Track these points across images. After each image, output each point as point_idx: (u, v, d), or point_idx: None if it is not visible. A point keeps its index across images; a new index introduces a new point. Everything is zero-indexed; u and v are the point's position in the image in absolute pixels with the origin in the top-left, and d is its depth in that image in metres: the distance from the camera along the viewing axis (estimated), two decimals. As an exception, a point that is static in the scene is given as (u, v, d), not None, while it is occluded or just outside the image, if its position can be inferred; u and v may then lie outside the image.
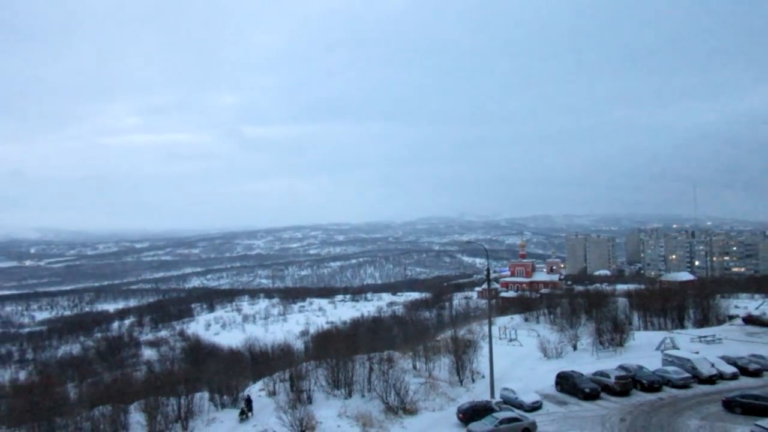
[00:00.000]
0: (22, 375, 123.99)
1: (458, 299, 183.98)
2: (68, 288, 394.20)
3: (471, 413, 41.01)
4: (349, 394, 46.98)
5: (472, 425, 38.94)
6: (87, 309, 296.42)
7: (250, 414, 42.59)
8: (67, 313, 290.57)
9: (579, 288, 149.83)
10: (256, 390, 51.18)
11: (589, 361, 57.67)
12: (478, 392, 49.17)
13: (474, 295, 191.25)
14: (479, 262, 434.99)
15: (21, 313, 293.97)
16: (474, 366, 54.43)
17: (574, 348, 65.29)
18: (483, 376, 52.30)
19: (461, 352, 54.51)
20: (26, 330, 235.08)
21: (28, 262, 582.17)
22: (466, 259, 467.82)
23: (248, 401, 43.75)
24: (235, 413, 43.39)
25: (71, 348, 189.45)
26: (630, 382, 47.62)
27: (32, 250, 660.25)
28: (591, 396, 45.62)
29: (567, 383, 48.30)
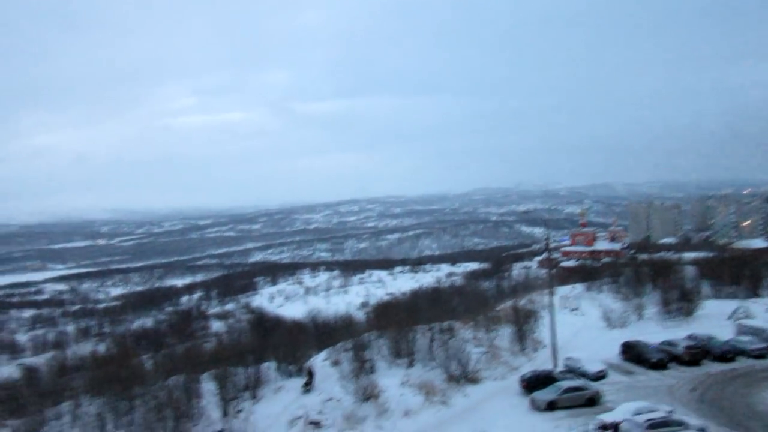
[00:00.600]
0: (101, 348, 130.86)
1: (517, 269, 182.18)
2: (139, 265, 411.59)
3: (534, 382, 40.92)
4: (411, 364, 47.57)
5: (536, 394, 38.88)
6: (157, 284, 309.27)
7: (311, 385, 43.59)
8: (139, 288, 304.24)
9: (643, 257, 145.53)
10: (320, 360, 52.50)
11: (655, 330, 56.30)
12: (540, 361, 48.92)
13: (533, 264, 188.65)
14: (538, 231, 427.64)
15: (97, 290, 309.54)
16: (535, 335, 54.09)
17: (639, 317, 63.77)
18: (545, 346, 51.92)
19: (522, 322, 54.20)
20: (102, 305, 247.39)
21: (100, 241, 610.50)
22: (525, 228, 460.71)
23: (310, 373, 44.75)
24: (300, 382, 44.64)
25: (144, 321, 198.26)
26: (700, 352, 46.27)
27: (104, 230, 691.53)
28: (658, 365, 44.66)
29: (632, 352, 47.42)
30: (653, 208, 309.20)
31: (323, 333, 71.86)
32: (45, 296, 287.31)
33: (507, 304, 68.91)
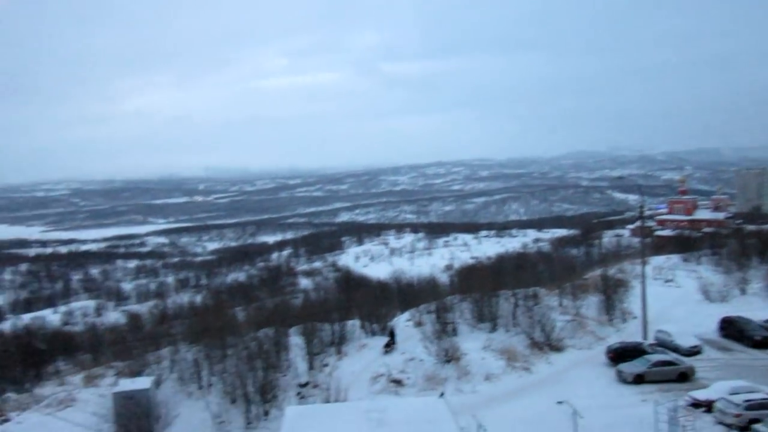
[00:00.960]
0: (198, 299, 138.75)
1: (608, 237, 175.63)
2: (233, 221, 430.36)
3: (621, 353, 39.72)
4: (494, 328, 47.35)
5: (622, 366, 37.74)
6: (250, 240, 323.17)
7: (393, 346, 44.26)
8: (233, 244, 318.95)
9: (750, 228, 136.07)
10: (403, 320, 53.23)
11: (760, 307, 52.81)
12: (629, 333, 47.32)
13: (626, 233, 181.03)
14: (632, 198, 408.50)
15: (194, 244, 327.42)
16: (625, 306, 52.22)
17: (743, 292, 60.01)
18: (634, 317, 50.08)
19: (611, 291, 52.42)
20: (199, 259, 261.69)
21: (197, 198, 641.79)
22: (618, 195, 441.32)
23: (391, 333, 45.43)
24: (383, 341, 45.52)
25: (237, 275, 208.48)
26: (815, 332, 43.07)
27: (201, 187, 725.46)
28: (762, 344, 42.03)
29: (733, 329, 44.86)
30: (766, 176, 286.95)
31: (407, 294, 72.69)
32: (148, 248, 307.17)
33: (596, 273, 66.74)
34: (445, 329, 46.21)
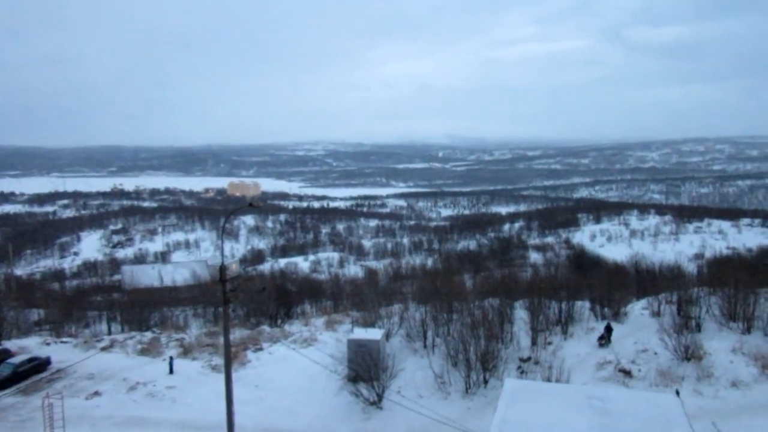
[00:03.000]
0: (429, 262, 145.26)
1: None
2: (468, 189, 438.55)
3: None
4: (748, 330, 41.67)
5: None
6: (482, 210, 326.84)
7: (607, 341, 41.10)
8: (466, 212, 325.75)
9: None
10: (638, 308, 49.66)
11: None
12: None
13: None
14: None
15: (430, 209, 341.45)
16: None
17: None
18: None
19: None
20: (433, 224, 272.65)
21: (436, 165, 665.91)
22: None
23: (608, 328, 42.04)
24: (614, 326, 42.91)
25: (468, 243, 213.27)
26: None
27: (440, 154, 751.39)
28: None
29: None
30: None
31: (645, 280, 67.49)
32: (387, 210, 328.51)
33: None
34: (686, 323, 41.95)
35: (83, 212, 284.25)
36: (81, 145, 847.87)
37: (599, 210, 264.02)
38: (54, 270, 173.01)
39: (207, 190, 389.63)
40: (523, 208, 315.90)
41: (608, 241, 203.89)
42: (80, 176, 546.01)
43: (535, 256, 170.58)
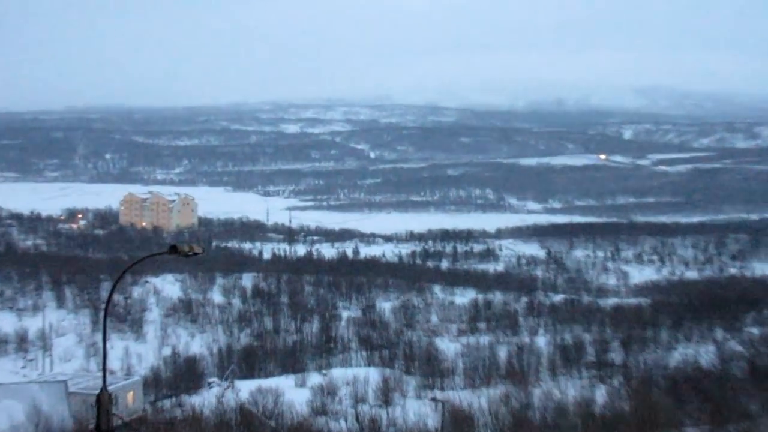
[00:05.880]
0: (600, 395, 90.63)
1: None
2: (696, 220, 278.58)
3: None
4: None
5: None
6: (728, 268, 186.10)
7: None
8: (691, 273, 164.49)
9: None
10: None
11: None
12: None
13: None
14: None
15: (601, 264, 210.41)
16: None
17: None
18: None
19: None
20: (610, 301, 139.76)
21: (619, 159, 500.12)
22: None
23: None
24: None
25: (697, 350, 73.77)
26: None
27: (626, 133, 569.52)
28: None
29: None
30: None
31: None
32: (499, 265, 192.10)
33: None
34: None
35: None
36: None
37: None
38: None
39: (75, 215, 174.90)
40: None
41: None
42: None
43: None
